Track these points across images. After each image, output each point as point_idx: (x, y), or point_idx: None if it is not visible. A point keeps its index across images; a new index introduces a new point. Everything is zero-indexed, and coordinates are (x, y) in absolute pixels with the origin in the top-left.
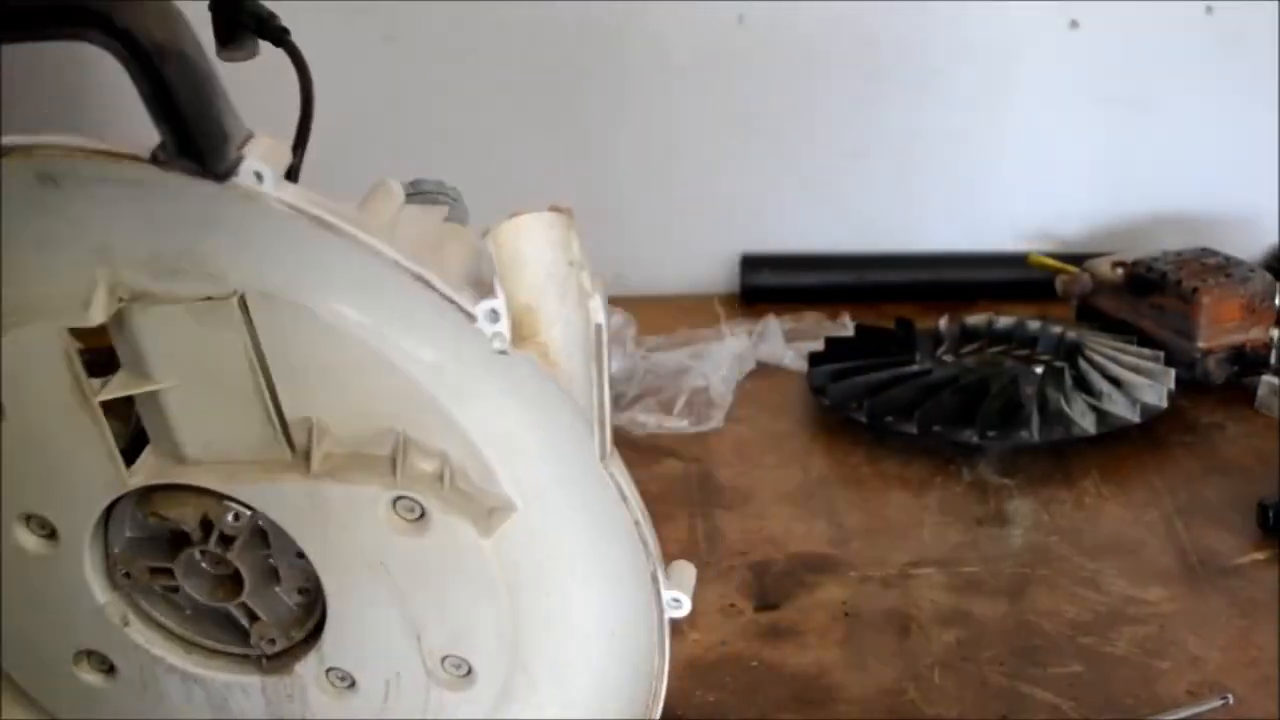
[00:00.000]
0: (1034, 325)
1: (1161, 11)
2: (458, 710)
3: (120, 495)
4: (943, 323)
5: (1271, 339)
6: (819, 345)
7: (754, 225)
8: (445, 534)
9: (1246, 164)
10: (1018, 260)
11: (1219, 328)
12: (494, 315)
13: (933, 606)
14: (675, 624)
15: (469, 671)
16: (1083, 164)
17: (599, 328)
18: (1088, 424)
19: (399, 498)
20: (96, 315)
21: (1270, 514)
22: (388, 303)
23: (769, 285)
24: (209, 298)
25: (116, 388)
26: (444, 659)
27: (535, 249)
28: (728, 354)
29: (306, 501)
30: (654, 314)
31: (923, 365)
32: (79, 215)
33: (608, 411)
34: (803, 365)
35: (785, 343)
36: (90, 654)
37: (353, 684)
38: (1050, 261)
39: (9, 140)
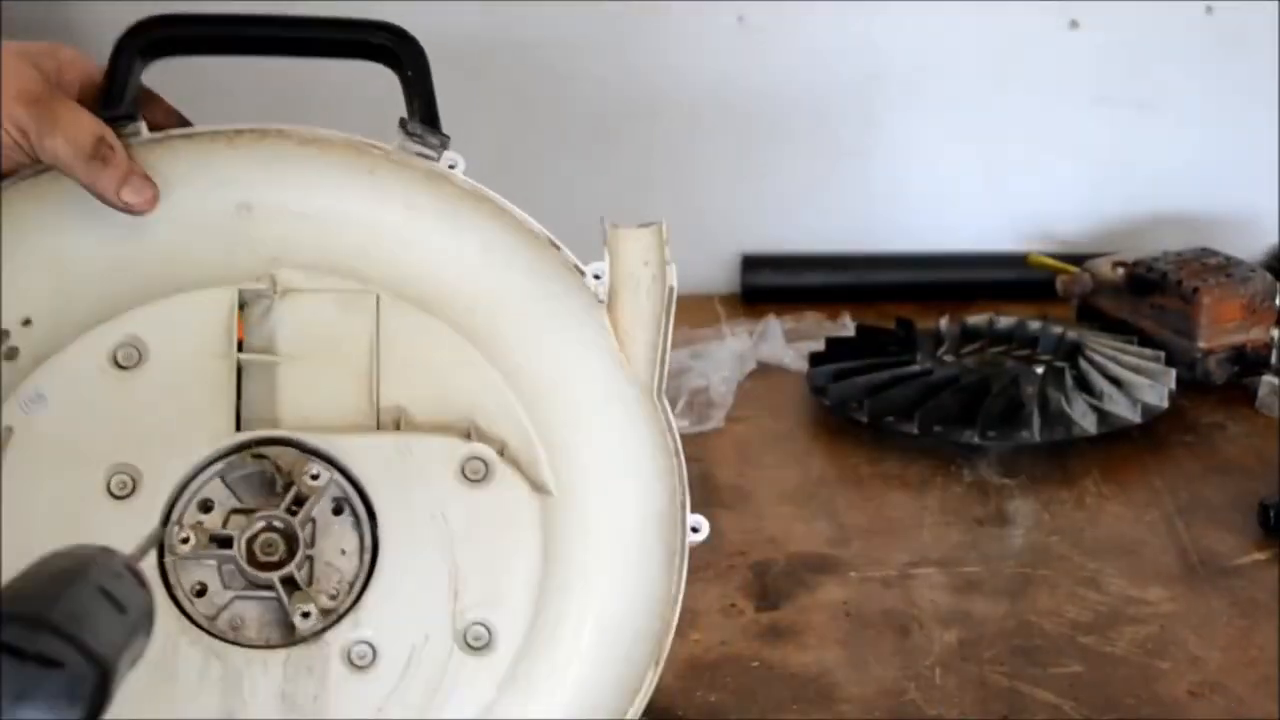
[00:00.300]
0: (1035, 325)
1: (1161, 11)
2: (470, 681)
3: (218, 451)
4: (943, 323)
5: (1272, 339)
6: (819, 345)
7: (754, 225)
8: (503, 491)
9: (1246, 164)
10: (1018, 260)
11: (1219, 328)
12: (599, 275)
13: (933, 606)
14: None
15: (490, 639)
16: (1083, 164)
17: (671, 289)
18: (1088, 424)
19: (470, 458)
20: (264, 284)
21: (1271, 514)
22: (511, 271)
23: (769, 285)
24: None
25: (256, 352)
26: (471, 624)
27: (626, 250)
28: (728, 354)
29: (392, 453)
30: None
31: (923, 365)
32: (262, 238)
33: (667, 356)
34: (803, 365)
35: (786, 343)
36: None
37: (373, 660)
38: (1051, 262)
39: (258, 126)
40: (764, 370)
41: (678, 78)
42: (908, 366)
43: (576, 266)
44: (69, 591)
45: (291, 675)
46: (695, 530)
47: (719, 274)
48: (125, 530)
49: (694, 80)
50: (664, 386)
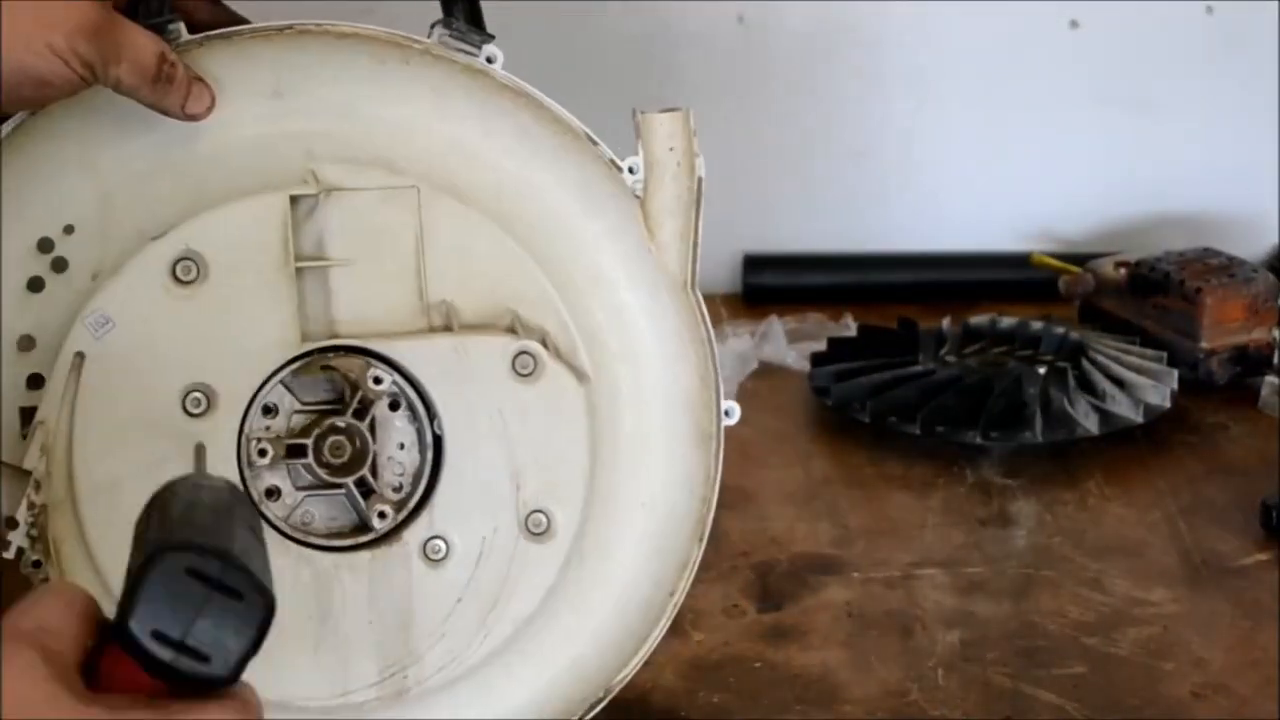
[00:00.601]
0: (1037, 326)
1: (1161, 11)
2: (536, 567)
3: (288, 360)
4: (946, 323)
5: (1275, 339)
6: (822, 346)
7: (756, 225)
8: (551, 384)
9: (1247, 164)
10: (1020, 260)
11: (1222, 328)
12: (634, 169)
13: (936, 607)
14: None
15: (550, 525)
16: (1084, 164)
17: (699, 179)
18: (1091, 424)
19: (520, 353)
20: (311, 188)
21: (1274, 515)
22: (548, 165)
23: (771, 285)
24: (393, 188)
25: (310, 259)
26: (532, 513)
27: (657, 137)
28: (730, 354)
29: (451, 355)
30: None
31: (926, 366)
32: (296, 127)
33: (699, 250)
34: (805, 366)
35: (788, 343)
36: None
37: (447, 554)
38: (1053, 262)
39: (298, 23)
40: (766, 370)
41: (677, 77)
42: (910, 367)
43: (613, 161)
44: (238, 529)
45: (377, 574)
46: (728, 414)
47: (721, 274)
48: (213, 443)
49: (694, 80)
50: (696, 277)
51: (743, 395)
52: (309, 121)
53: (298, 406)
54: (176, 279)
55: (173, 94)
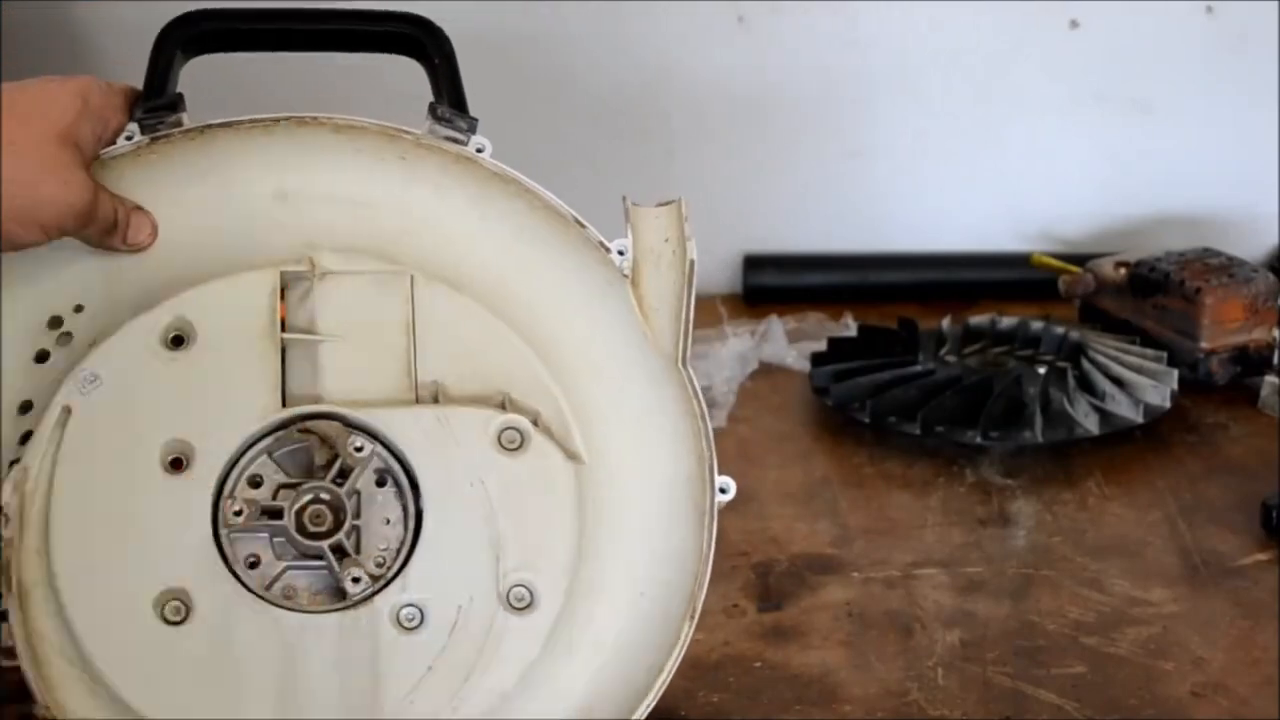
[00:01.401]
0: (1037, 325)
1: (1161, 11)
2: (515, 639)
3: (267, 426)
4: (945, 323)
5: (1274, 339)
6: (822, 345)
7: (756, 225)
8: (538, 458)
9: (1247, 164)
10: (1020, 260)
11: (1222, 328)
12: (623, 251)
13: (936, 607)
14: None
15: (531, 600)
16: (1084, 164)
17: (692, 262)
18: (1091, 424)
19: (506, 428)
20: (304, 266)
21: (1274, 514)
22: (538, 249)
23: (771, 285)
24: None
25: (298, 332)
26: (513, 586)
27: (650, 229)
28: (730, 354)
29: (434, 425)
30: None
31: (925, 365)
32: (299, 225)
33: (690, 327)
34: (805, 365)
35: (788, 343)
36: (172, 595)
37: (422, 621)
38: (1053, 262)
39: (294, 115)
40: (766, 370)
41: (678, 77)
42: (910, 367)
43: (601, 243)
44: None
45: (345, 637)
46: (723, 491)
47: (721, 274)
48: (181, 503)
49: (694, 80)
50: (688, 356)
51: (743, 395)
52: (311, 219)
53: (284, 480)
54: (166, 344)
55: (116, 237)
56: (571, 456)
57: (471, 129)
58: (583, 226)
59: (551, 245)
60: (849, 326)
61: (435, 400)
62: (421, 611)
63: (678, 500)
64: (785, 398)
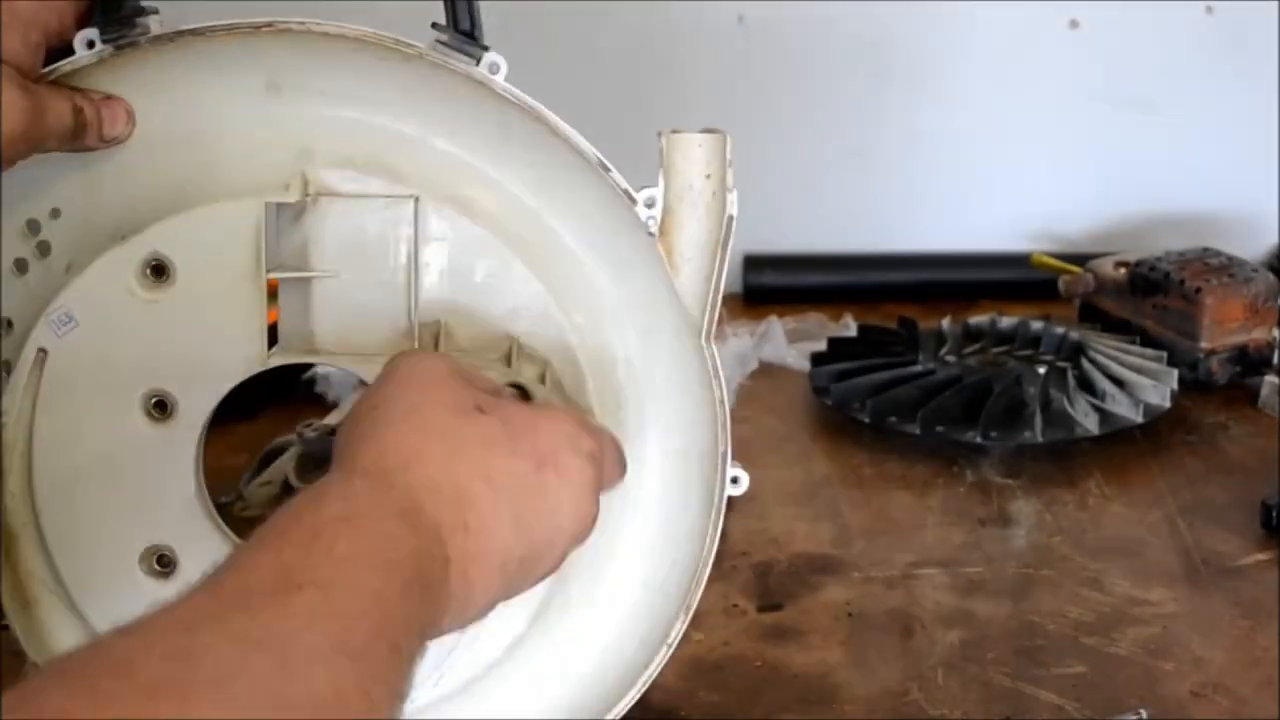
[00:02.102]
0: (1037, 325)
1: (1161, 11)
2: (502, 613)
3: (255, 371)
4: (945, 323)
5: (1274, 339)
6: (821, 345)
7: (756, 225)
8: None
9: (1247, 164)
10: (1020, 260)
11: (1222, 328)
12: (651, 202)
13: (936, 607)
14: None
15: None
16: (1084, 164)
17: (730, 218)
18: (1091, 424)
19: (510, 384)
20: (293, 195)
21: (1274, 514)
22: (558, 190)
23: (771, 285)
24: (390, 196)
25: (286, 269)
26: None
27: (684, 161)
28: (730, 354)
29: None
30: None
31: (925, 365)
32: (292, 125)
33: (719, 298)
34: (805, 365)
35: (788, 343)
36: (157, 552)
37: None
38: (1053, 262)
39: (279, 20)
40: (766, 370)
41: (678, 77)
42: (910, 366)
43: (627, 192)
44: None
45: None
46: (735, 481)
47: None
48: (164, 456)
49: (694, 80)
50: (714, 329)
51: (743, 395)
52: (306, 114)
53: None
54: (143, 283)
55: (88, 136)
56: (580, 411)
57: (483, 51)
58: (607, 170)
59: (572, 184)
60: (849, 326)
61: (436, 345)
62: None
63: (690, 480)
64: (785, 398)
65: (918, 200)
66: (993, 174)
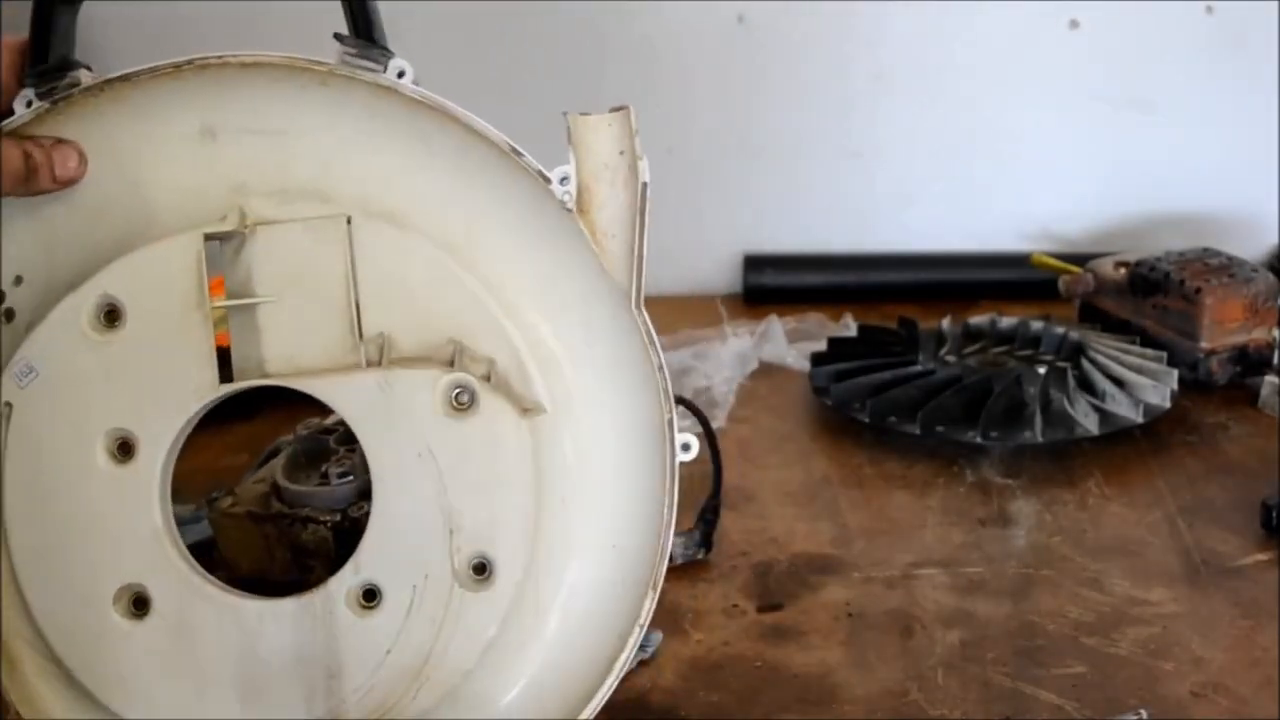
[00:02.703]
0: (1037, 325)
1: (1161, 11)
2: (474, 615)
3: (205, 406)
4: (945, 323)
5: (1274, 339)
6: (821, 345)
7: (756, 225)
8: (490, 418)
9: (1247, 164)
10: (1020, 260)
11: (1222, 328)
12: (565, 179)
13: (936, 607)
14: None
15: (490, 572)
16: (1084, 164)
17: (644, 185)
18: (1091, 424)
19: (454, 388)
20: (230, 225)
21: (1274, 514)
22: (478, 183)
23: (772, 285)
24: (322, 217)
25: (229, 298)
26: (469, 560)
27: (596, 140)
28: (730, 354)
29: (375, 390)
30: (657, 314)
31: (925, 365)
32: (227, 166)
33: (644, 265)
34: (805, 365)
35: (788, 343)
36: (130, 591)
37: (378, 601)
38: (1053, 262)
39: (198, 58)
40: (766, 370)
41: (678, 77)
42: (910, 367)
43: (540, 173)
44: None
45: (302, 624)
46: (685, 448)
47: (721, 274)
48: (128, 494)
49: (694, 80)
50: (642, 296)
51: (743, 395)
52: (240, 154)
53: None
54: (96, 326)
55: (41, 179)
56: (530, 408)
57: (386, 57)
58: (519, 155)
59: (491, 176)
60: (849, 326)
61: (381, 357)
62: (378, 591)
63: (639, 452)
64: (785, 398)
65: (918, 200)
66: (993, 174)
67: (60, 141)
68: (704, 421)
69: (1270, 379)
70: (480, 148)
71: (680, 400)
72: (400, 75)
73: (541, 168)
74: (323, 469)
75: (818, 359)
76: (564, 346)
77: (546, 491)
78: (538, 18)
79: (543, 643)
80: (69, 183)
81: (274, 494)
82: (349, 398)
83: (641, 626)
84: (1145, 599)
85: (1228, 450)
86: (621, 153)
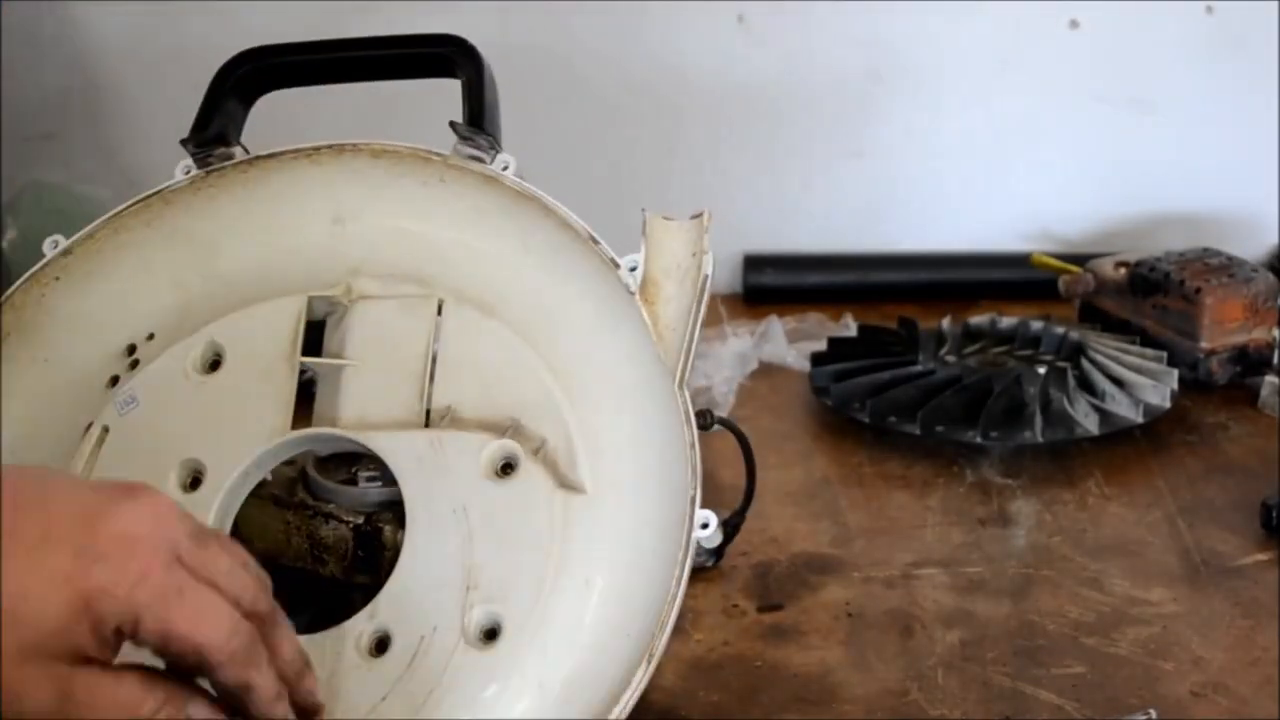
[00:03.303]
0: (1037, 325)
1: (1161, 11)
2: (471, 674)
3: (273, 447)
4: (945, 323)
5: (1274, 339)
6: (821, 345)
7: (756, 225)
8: (527, 486)
9: (1247, 164)
10: (1020, 260)
11: (1222, 328)
12: (634, 268)
13: (936, 607)
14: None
15: (497, 633)
16: (1084, 164)
17: (706, 276)
18: (1091, 424)
19: (500, 455)
20: (338, 292)
21: (1274, 514)
22: (562, 273)
23: (771, 285)
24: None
25: (321, 356)
26: (479, 618)
27: (672, 243)
28: (730, 354)
29: (425, 447)
30: None
31: (925, 365)
32: (350, 250)
33: (694, 345)
34: (805, 365)
35: (788, 343)
36: None
37: (386, 650)
38: (1053, 262)
39: (335, 143)
40: (766, 370)
41: (678, 77)
42: (910, 367)
43: (613, 260)
44: None
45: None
46: (705, 526)
47: (721, 274)
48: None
49: (694, 80)
50: (687, 377)
51: (742, 395)
52: (359, 244)
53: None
54: (201, 368)
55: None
56: (571, 486)
57: (493, 146)
58: (596, 243)
59: (570, 264)
60: (849, 326)
61: (442, 422)
62: (388, 638)
63: (665, 536)
64: (785, 398)
65: (918, 200)
66: (993, 174)
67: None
68: (743, 443)
69: (1270, 379)
70: (565, 237)
71: (722, 422)
72: (505, 169)
73: (614, 255)
74: (352, 469)
75: (818, 359)
76: (614, 433)
77: (572, 568)
78: (537, 18)
79: (538, 702)
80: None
81: (302, 481)
82: (399, 449)
83: (633, 695)
84: (1145, 599)
85: (1228, 450)
86: (694, 255)
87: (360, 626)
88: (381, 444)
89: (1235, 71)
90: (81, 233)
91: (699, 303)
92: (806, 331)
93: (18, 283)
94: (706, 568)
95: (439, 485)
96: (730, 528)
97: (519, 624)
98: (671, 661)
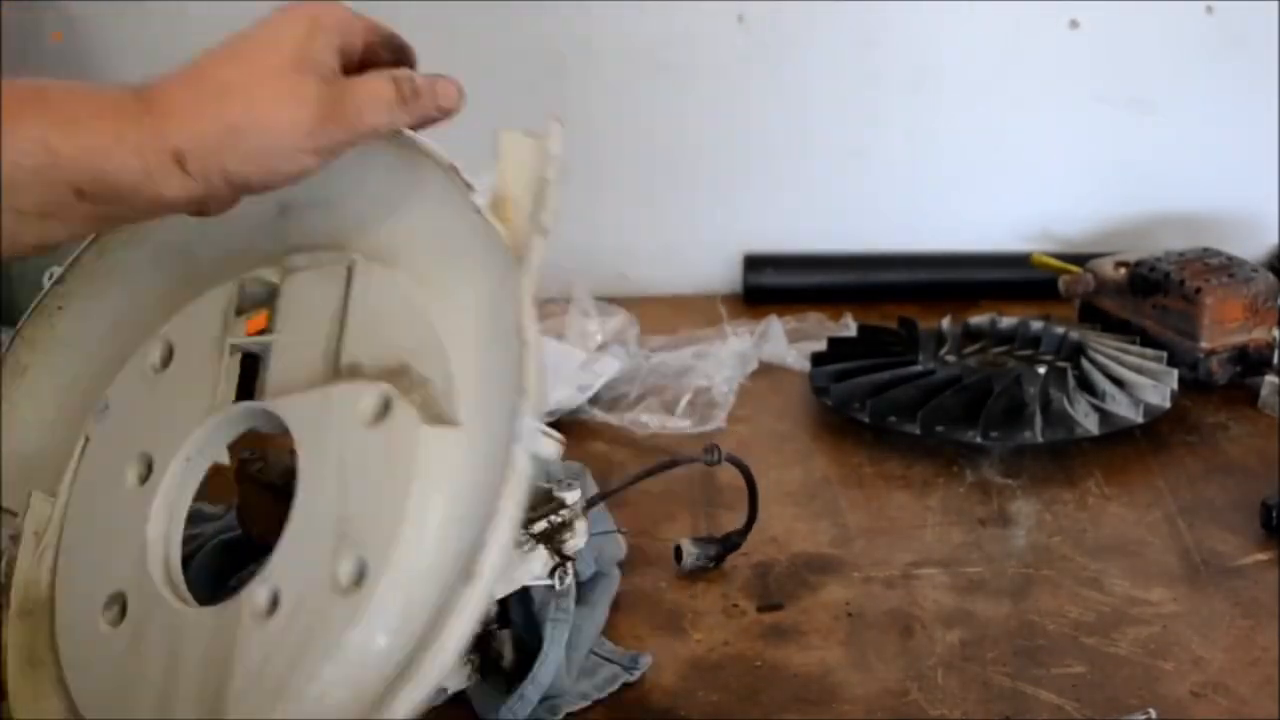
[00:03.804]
0: (1037, 325)
1: (1161, 11)
2: (339, 621)
3: (206, 428)
4: (945, 323)
5: (1274, 339)
6: (821, 345)
7: (756, 225)
8: (397, 426)
9: (1247, 164)
10: (1020, 260)
11: (1222, 328)
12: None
13: (936, 607)
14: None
15: (361, 578)
16: (1084, 164)
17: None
18: (1091, 424)
19: (376, 399)
20: (268, 275)
21: (1273, 514)
22: (443, 201)
23: (771, 285)
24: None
25: (246, 333)
26: (348, 565)
27: (520, 157)
28: (730, 354)
29: (317, 405)
30: (657, 314)
31: (925, 365)
32: (289, 235)
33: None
34: (805, 365)
35: (788, 343)
36: (117, 598)
37: (274, 610)
38: (1053, 262)
39: None
40: (766, 370)
41: (678, 77)
42: (910, 367)
43: (467, 184)
44: None
45: (216, 633)
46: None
47: (721, 274)
48: (138, 511)
49: (694, 80)
50: (534, 270)
51: (742, 395)
52: (299, 225)
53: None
54: (155, 366)
55: (424, 105)
56: (443, 421)
57: None
58: (456, 173)
59: (440, 199)
60: (849, 326)
61: (349, 377)
62: (276, 599)
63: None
64: (785, 398)
65: (918, 200)
66: (992, 174)
67: (440, 77)
68: (746, 476)
69: (1270, 379)
70: (434, 169)
71: (730, 459)
72: None
73: (470, 181)
74: None
75: (818, 359)
76: (488, 358)
77: (431, 501)
78: (537, 18)
79: (398, 640)
80: (450, 113)
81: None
82: (298, 412)
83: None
84: (1145, 599)
85: (1228, 450)
86: (547, 166)
87: (255, 591)
88: (284, 409)
89: (1235, 71)
90: (69, 260)
91: (550, 186)
92: (806, 331)
93: (24, 316)
94: (707, 569)
95: (326, 440)
96: (729, 546)
97: (379, 564)
98: (671, 661)
